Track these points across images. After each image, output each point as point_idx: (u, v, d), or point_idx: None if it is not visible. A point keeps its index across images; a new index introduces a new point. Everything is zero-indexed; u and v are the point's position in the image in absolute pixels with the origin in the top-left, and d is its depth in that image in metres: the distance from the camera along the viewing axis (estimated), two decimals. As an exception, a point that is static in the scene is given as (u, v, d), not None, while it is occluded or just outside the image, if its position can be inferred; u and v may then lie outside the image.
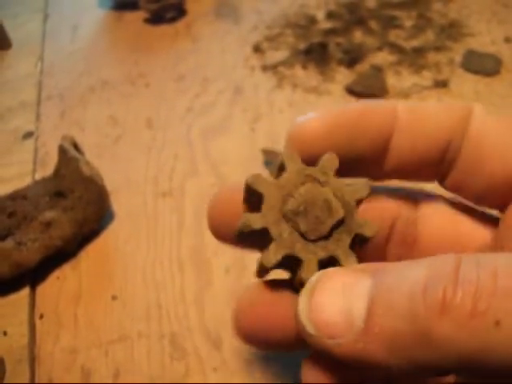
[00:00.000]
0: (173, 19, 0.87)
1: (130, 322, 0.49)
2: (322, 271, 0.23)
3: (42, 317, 0.51)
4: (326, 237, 0.25)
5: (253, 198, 0.26)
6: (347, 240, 0.25)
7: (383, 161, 0.28)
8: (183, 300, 0.50)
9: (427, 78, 0.70)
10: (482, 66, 0.71)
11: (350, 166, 0.27)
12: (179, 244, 0.54)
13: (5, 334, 0.49)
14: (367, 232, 0.25)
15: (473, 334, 0.18)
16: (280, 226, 0.25)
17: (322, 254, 0.25)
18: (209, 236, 0.54)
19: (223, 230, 0.29)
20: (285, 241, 0.25)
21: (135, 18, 0.88)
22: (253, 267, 0.51)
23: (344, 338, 0.21)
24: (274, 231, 0.25)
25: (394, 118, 0.27)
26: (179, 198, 0.59)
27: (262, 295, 0.28)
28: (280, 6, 0.86)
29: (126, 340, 0.48)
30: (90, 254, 0.55)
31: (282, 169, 0.26)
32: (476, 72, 0.70)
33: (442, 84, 0.68)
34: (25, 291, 0.52)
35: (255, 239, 0.26)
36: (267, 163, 0.60)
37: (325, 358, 0.23)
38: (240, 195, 0.27)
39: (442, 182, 0.29)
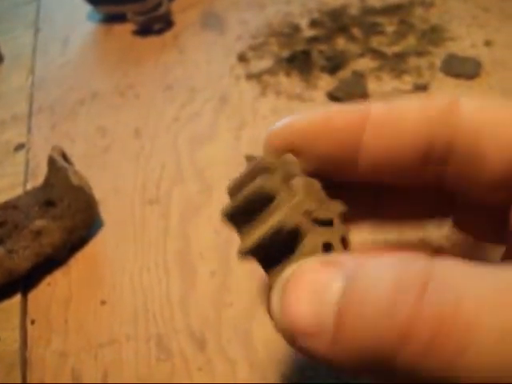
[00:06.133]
0: (160, 31, 0.88)
1: (118, 325, 0.51)
2: (294, 266, 0.23)
3: (33, 322, 0.52)
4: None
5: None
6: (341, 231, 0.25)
7: (356, 161, 0.28)
8: (169, 303, 0.52)
9: (407, 82, 0.71)
10: (462, 69, 0.72)
11: (323, 168, 0.28)
12: (165, 249, 0.56)
13: (-3, 339, 0.51)
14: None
15: (432, 362, 0.19)
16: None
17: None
18: (194, 241, 0.56)
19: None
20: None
21: (124, 30, 0.90)
22: (238, 271, 0.53)
23: (316, 341, 0.21)
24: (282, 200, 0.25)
25: (362, 119, 0.27)
26: (166, 205, 0.60)
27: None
28: (265, 15, 0.88)
29: (115, 343, 0.50)
30: (79, 260, 0.56)
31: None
32: (456, 75, 0.72)
33: (422, 88, 0.70)
34: (16, 298, 0.53)
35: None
36: (250, 169, 0.61)
37: None
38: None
39: (440, 184, 0.29)
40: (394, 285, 0.20)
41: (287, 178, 0.26)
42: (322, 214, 0.25)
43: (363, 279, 0.21)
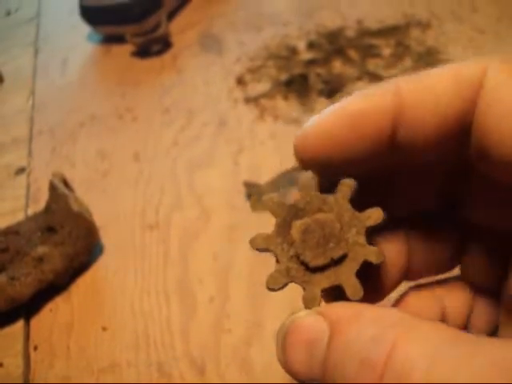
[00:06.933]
0: (159, 52, 0.89)
1: (119, 351, 0.52)
2: (291, 318, 0.25)
3: (36, 348, 0.53)
4: (330, 265, 0.26)
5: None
6: (354, 267, 0.26)
7: (394, 152, 0.27)
8: (169, 329, 0.52)
9: (403, 106, 0.72)
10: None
11: (360, 164, 0.27)
12: (165, 275, 0.57)
13: (1, 365, 0.51)
14: (373, 259, 0.26)
15: None
16: (285, 251, 0.26)
17: (325, 284, 0.26)
18: (193, 266, 0.57)
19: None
20: (288, 268, 0.26)
21: (123, 51, 0.91)
22: (236, 297, 0.53)
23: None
24: (279, 255, 0.26)
25: (395, 108, 0.26)
26: (165, 230, 0.61)
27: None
28: (262, 37, 0.89)
29: (116, 368, 0.50)
30: (80, 286, 0.57)
31: (300, 191, 0.27)
32: (451, 99, 0.72)
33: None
34: (19, 324, 0.54)
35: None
36: (249, 196, 0.62)
37: None
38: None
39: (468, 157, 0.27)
40: (360, 363, 0.21)
41: (289, 223, 0.26)
42: (319, 261, 0.26)
43: (340, 343, 0.23)
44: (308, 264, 0.26)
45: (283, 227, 0.26)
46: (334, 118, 0.26)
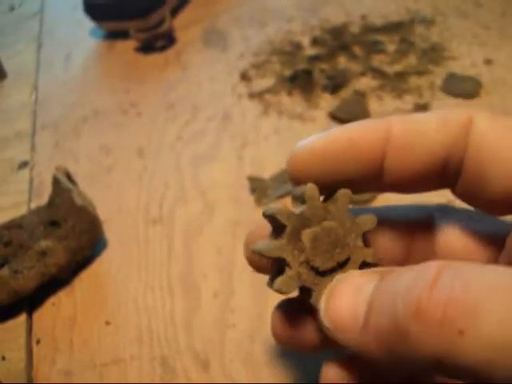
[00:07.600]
0: (163, 48, 0.89)
1: (122, 345, 0.51)
2: (340, 276, 0.28)
3: (38, 342, 0.53)
4: (336, 268, 0.29)
5: (275, 225, 0.30)
6: (355, 269, 0.29)
7: (380, 179, 0.30)
8: (173, 324, 0.52)
9: (408, 102, 0.72)
10: (462, 88, 0.73)
11: (348, 184, 0.30)
12: (169, 270, 0.56)
13: (3, 358, 0.51)
14: (370, 259, 0.30)
15: (441, 339, 0.20)
16: (295, 257, 0.28)
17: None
18: (197, 261, 0.56)
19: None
20: (299, 273, 0.28)
21: (126, 46, 0.91)
22: (240, 292, 0.53)
23: (351, 333, 0.25)
24: (290, 262, 0.28)
25: (384, 140, 0.28)
26: (169, 225, 0.61)
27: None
28: (266, 33, 0.89)
29: (119, 363, 0.50)
30: (83, 280, 0.57)
31: (303, 201, 0.29)
32: (456, 95, 0.72)
33: (422, 108, 0.70)
34: (22, 317, 0.54)
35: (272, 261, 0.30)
36: (253, 190, 0.62)
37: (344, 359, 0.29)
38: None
39: (453, 191, 0.30)
40: (412, 278, 0.22)
41: (298, 231, 0.29)
42: (328, 265, 0.29)
43: (388, 280, 0.24)
44: (318, 268, 0.28)
45: (293, 235, 0.29)
46: (330, 141, 0.29)
